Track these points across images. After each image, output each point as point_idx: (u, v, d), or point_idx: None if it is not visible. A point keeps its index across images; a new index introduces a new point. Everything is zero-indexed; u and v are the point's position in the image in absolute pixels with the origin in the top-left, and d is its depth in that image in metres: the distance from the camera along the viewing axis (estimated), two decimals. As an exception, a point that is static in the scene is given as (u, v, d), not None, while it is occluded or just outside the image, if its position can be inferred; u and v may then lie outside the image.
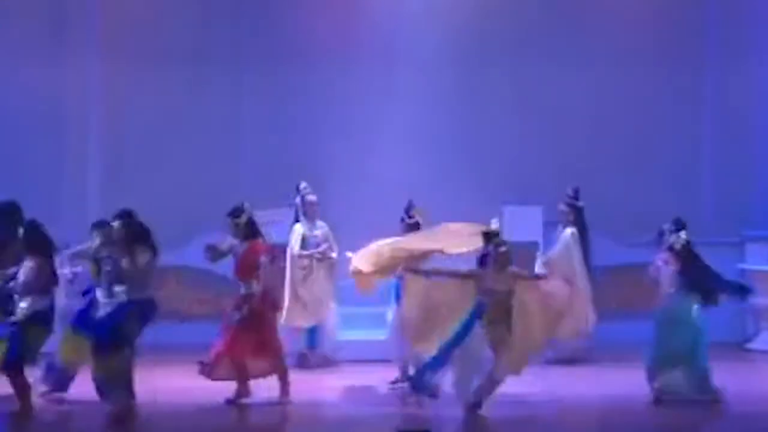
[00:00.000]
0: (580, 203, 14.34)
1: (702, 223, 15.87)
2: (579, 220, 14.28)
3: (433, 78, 16.35)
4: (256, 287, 11.52)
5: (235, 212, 11.75)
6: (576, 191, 14.39)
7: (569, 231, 14.18)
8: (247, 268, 11.60)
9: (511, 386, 11.26)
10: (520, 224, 14.98)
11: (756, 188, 16.20)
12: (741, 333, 15.11)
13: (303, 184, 14.38)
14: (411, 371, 11.60)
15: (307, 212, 14.29)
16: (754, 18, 16.48)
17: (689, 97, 16.59)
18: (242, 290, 11.56)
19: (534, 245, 15.00)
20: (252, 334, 11.40)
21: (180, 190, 16.05)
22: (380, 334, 13.48)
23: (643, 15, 16.58)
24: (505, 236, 15.03)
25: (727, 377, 11.74)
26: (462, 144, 16.40)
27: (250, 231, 11.73)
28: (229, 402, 11.42)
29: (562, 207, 14.33)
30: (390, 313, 12.71)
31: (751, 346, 14.97)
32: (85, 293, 11.75)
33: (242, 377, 11.49)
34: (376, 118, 16.31)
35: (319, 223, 14.42)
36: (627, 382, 12.35)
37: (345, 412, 11.18)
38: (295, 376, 12.91)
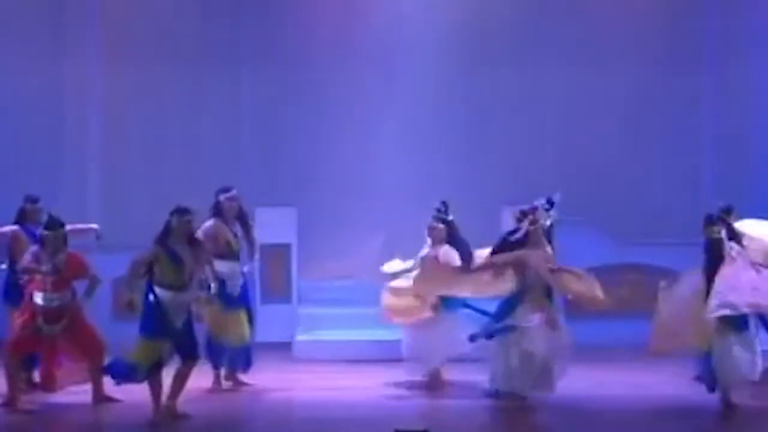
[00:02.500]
0: (450, 217, 12.39)
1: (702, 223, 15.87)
2: (453, 235, 12.33)
3: (433, 78, 16.36)
4: (71, 298, 11.21)
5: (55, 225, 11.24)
6: (445, 204, 12.41)
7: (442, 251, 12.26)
8: (66, 281, 11.22)
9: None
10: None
11: (756, 188, 16.20)
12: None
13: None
14: None
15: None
16: (754, 18, 16.49)
17: (689, 97, 16.61)
18: (55, 302, 11.09)
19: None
20: (75, 341, 11.25)
21: (180, 190, 16.03)
22: (378, 335, 13.50)
23: (643, 15, 16.60)
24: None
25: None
26: (462, 144, 16.41)
27: (66, 242, 11.26)
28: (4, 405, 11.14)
29: (432, 222, 12.31)
30: None
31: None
32: None
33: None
34: (375, 118, 16.33)
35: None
36: (627, 383, 12.35)
37: (344, 412, 11.18)
38: (295, 376, 12.94)
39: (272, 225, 15.52)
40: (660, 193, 16.03)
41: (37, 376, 11.60)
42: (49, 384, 11.32)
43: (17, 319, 11.36)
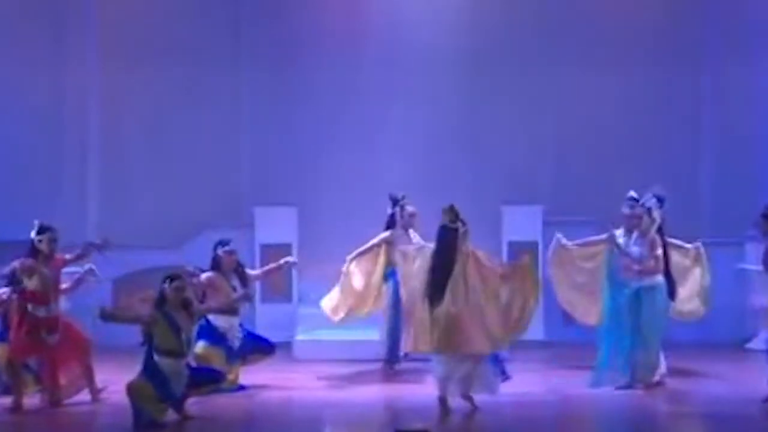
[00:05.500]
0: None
1: (702, 223, 15.90)
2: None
3: (434, 78, 16.35)
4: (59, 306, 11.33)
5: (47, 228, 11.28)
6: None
7: None
8: (58, 287, 11.34)
9: (511, 386, 11.28)
10: (520, 224, 15.01)
11: (756, 187, 16.19)
12: (741, 333, 15.09)
13: (401, 194, 13.14)
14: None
15: (407, 224, 12.99)
16: (753, 18, 16.48)
17: (689, 97, 16.60)
18: (54, 312, 11.19)
19: (534, 245, 15.02)
20: (68, 344, 11.33)
21: (180, 190, 16.06)
22: (378, 334, 13.50)
23: (643, 15, 16.58)
24: (505, 236, 15.16)
25: (726, 377, 11.75)
26: (462, 144, 16.41)
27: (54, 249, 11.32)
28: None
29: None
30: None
31: (751, 346, 14.95)
32: None
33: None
34: (376, 117, 16.32)
35: (413, 234, 13.10)
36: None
37: (344, 412, 11.18)
38: (294, 376, 12.94)
39: (272, 225, 15.55)
40: (660, 194, 16.01)
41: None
42: (55, 396, 11.30)
43: (16, 330, 11.35)
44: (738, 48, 16.39)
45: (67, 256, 11.48)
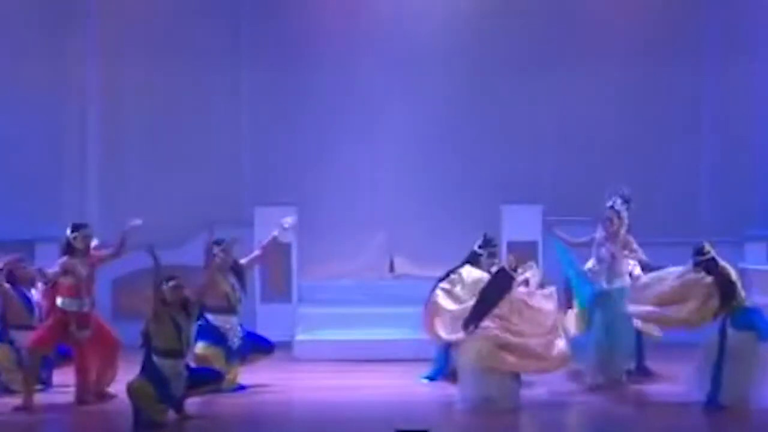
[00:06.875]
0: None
1: (702, 223, 15.91)
2: None
3: (434, 78, 16.35)
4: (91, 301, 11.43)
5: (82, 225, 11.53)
6: None
7: None
8: (92, 283, 11.46)
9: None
10: (519, 224, 15.01)
11: (755, 187, 16.21)
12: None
13: (496, 242, 12.80)
14: None
15: (486, 270, 12.20)
16: (754, 18, 16.48)
17: (689, 97, 16.60)
18: (85, 308, 11.32)
19: (533, 245, 15.02)
20: (98, 342, 11.42)
21: (180, 190, 16.06)
22: (378, 335, 13.51)
23: (643, 15, 16.59)
24: (505, 236, 15.15)
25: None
26: (462, 143, 16.41)
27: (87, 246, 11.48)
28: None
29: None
30: None
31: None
32: None
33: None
34: (376, 117, 16.32)
35: None
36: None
37: (344, 412, 11.19)
38: (294, 376, 12.95)
39: (272, 225, 15.53)
40: (659, 193, 16.01)
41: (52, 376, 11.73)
42: (86, 393, 11.34)
43: (45, 323, 11.44)
44: (738, 48, 16.39)
45: (103, 252, 11.57)
